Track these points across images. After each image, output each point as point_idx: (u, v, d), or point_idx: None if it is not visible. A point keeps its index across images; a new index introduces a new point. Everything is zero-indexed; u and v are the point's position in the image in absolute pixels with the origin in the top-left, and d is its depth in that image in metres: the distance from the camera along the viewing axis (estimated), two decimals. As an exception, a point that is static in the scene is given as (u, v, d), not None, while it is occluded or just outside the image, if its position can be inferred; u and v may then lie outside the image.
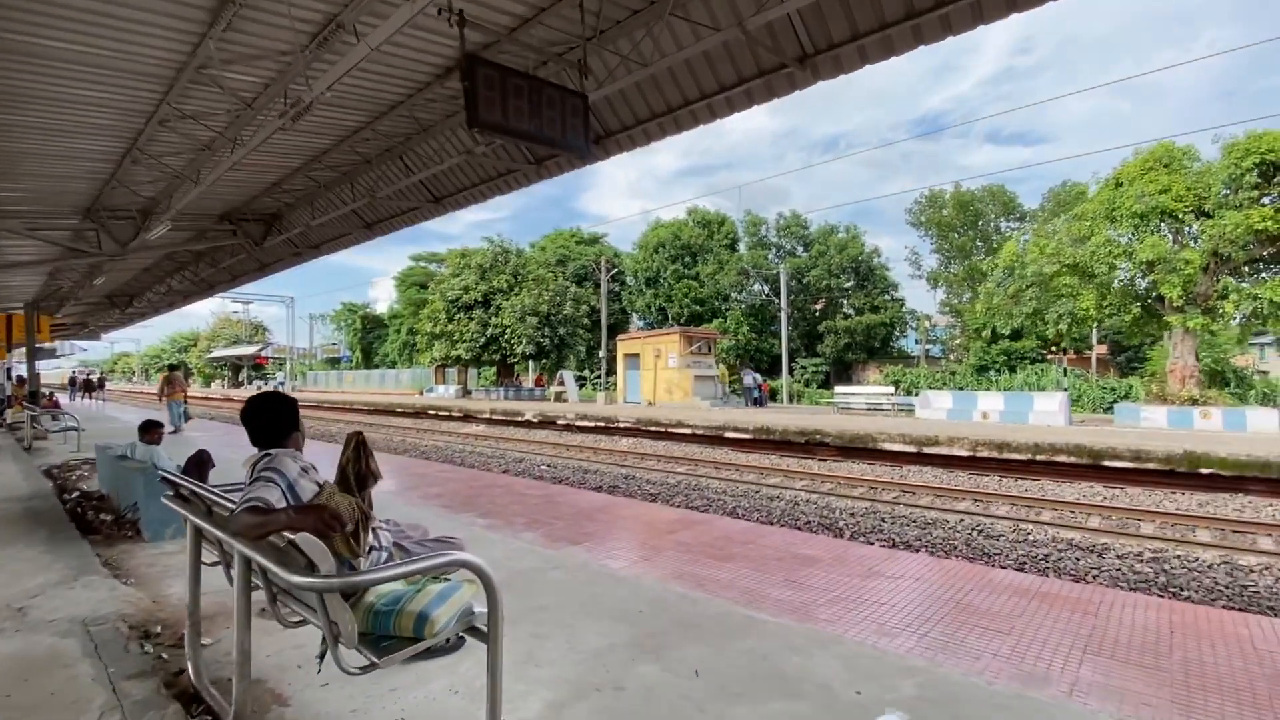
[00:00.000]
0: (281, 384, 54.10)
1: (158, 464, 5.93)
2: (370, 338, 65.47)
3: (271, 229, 12.20)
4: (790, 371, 34.73)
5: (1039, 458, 11.73)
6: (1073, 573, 6.87)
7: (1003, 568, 6.72)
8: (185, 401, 14.03)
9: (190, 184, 8.51)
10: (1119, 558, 7.27)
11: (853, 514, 9.43)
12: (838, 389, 27.60)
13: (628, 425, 19.08)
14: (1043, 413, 15.58)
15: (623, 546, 4.98)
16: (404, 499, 6.78)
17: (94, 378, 38.28)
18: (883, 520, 9.05)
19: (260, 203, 11.23)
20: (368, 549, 2.51)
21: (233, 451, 10.74)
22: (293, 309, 47.73)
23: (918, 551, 7.70)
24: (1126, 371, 31.89)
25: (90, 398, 34.34)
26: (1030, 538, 8.16)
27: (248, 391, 52.97)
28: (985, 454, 12.28)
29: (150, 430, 6.05)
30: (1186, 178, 15.56)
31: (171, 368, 15.78)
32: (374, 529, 2.61)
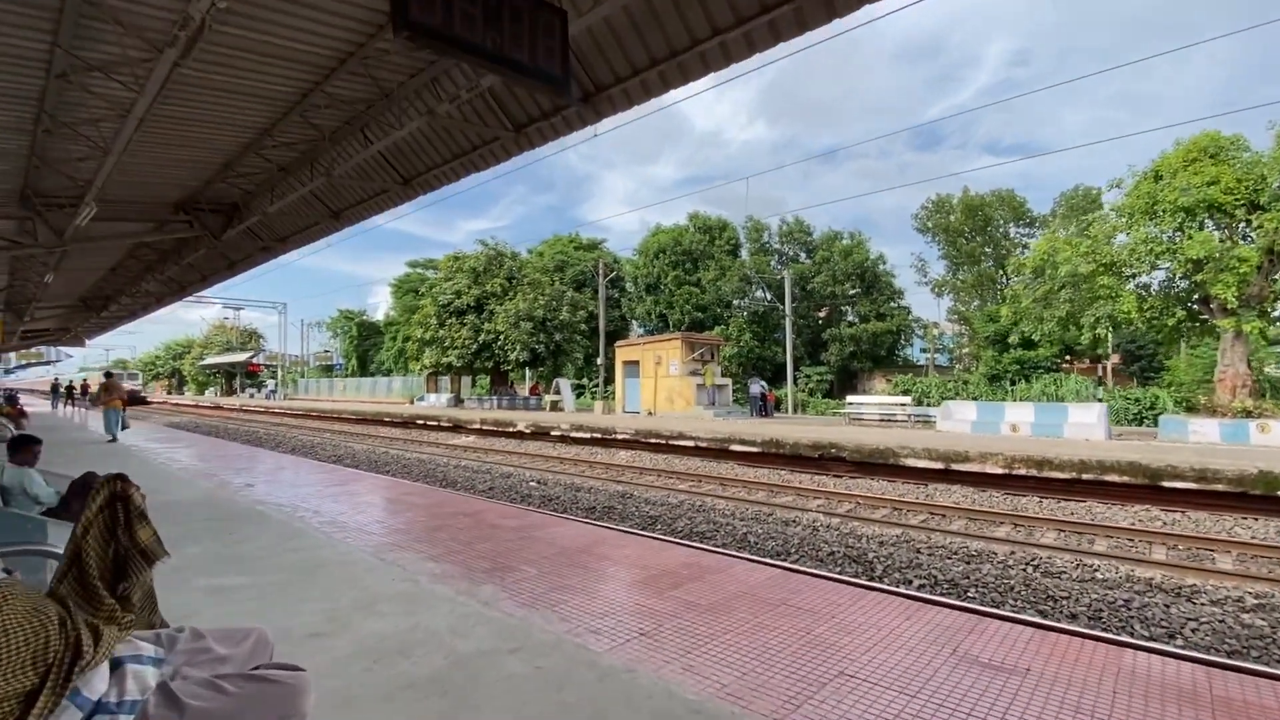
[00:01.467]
0: (273, 391, 52.79)
1: (29, 489, 4.73)
2: (366, 345, 64.31)
3: (232, 220, 11.04)
4: (794, 380, 33.50)
5: (1085, 476, 10.49)
6: (1164, 623, 5.64)
7: (1083, 636, 5.49)
8: (124, 409, 12.80)
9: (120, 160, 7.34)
10: (1214, 603, 6.04)
11: (881, 542, 8.20)
12: (849, 398, 26.35)
13: (626, 437, 17.84)
14: (1079, 425, 14.33)
15: (612, 610, 3.75)
16: (345, 531, 5.55)
17: (77, 385, 37.00)
18: (918, 552, 7.81)
19: (216, 190, 10.08)
20: (95, 702, 1.29)
21: (166, 464, 9.60)
22: (285, 315, 46.52)
23: (967, 592, 6.48)
24: (1143, 381, 30.67)
25: (72, 405, 33.14)
26: (1098, 574, 6.92)
27: (239, 400, 51.71)
28: (1022, 471, 11.04)
29: (22, 449, 4.84)
30: (1235, 168, 14.35)
31: (108, 374, 14.58)
32: (123, 662, 1.38)
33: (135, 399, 46.65)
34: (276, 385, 53.58)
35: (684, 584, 4.18)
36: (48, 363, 46.91)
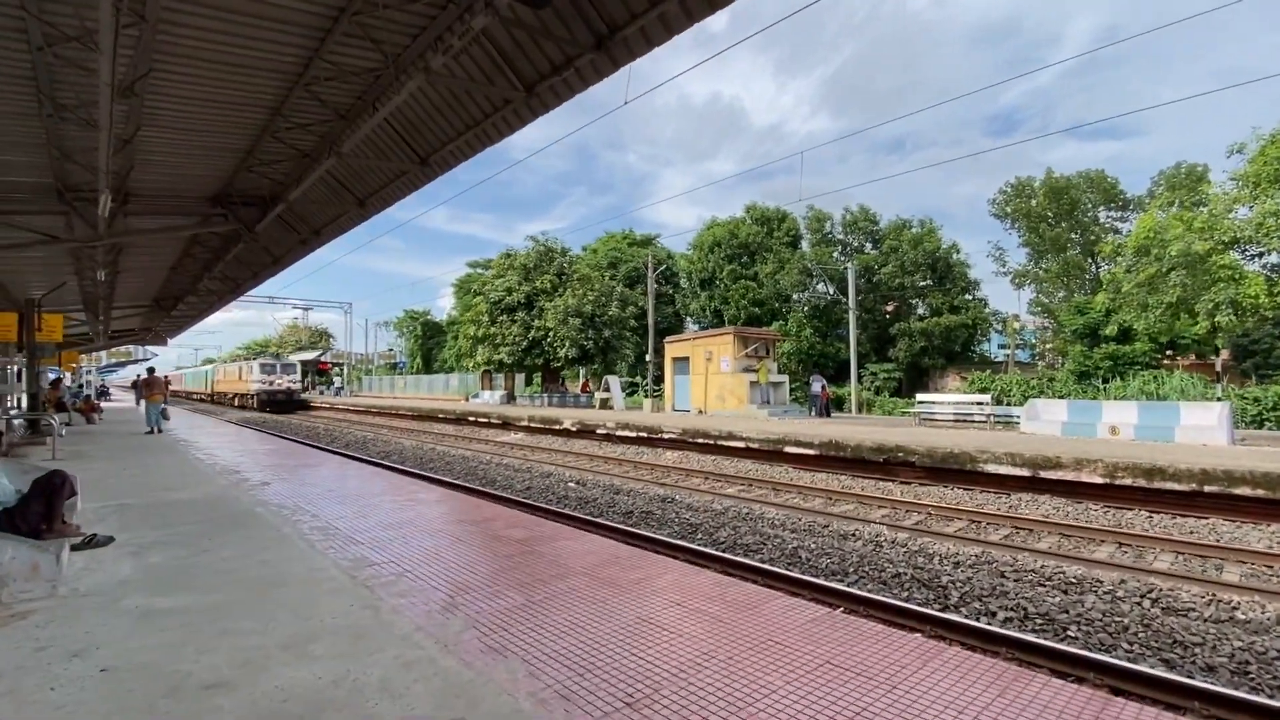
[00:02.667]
0: (340, 389, 54.74)
1: (-13, 489, 4.33)
2: (430, 344, 65.90)
3: (266, 212, 10.87)
4: (859, 378, 31.66)
5: (1207, 488, 8.88)
6: (1345, 690, 4.32)
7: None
8: (165, 402, 12.96)
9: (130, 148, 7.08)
10: None
11: (956, 563, 7.02)
12: (919, 397, 24.50)
13: (673, 436, 16.95)
14: (1195, 428, 12.43)
15: (601, 664, 2.91)
16: (331, 540, 4.95)
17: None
18: (1002, 576, 6.61)
19: (246, 181, 9.87)
20: None
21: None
22: (350, 315, 48.02)
23: (1066, 629, 5.30)
24: (1260, 379, 27.23)
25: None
26: (1237, 613, 5.57)
27: (309, 396, 53.84)
28: (1127, 481, 9.50)
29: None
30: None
31: (149, 370, 14.92)
32: None
33: (294, 402, 37.60)
34: (343, 383, 55.53)
35: (717, 624, 3.30)
36: (135, 361, 50.03)
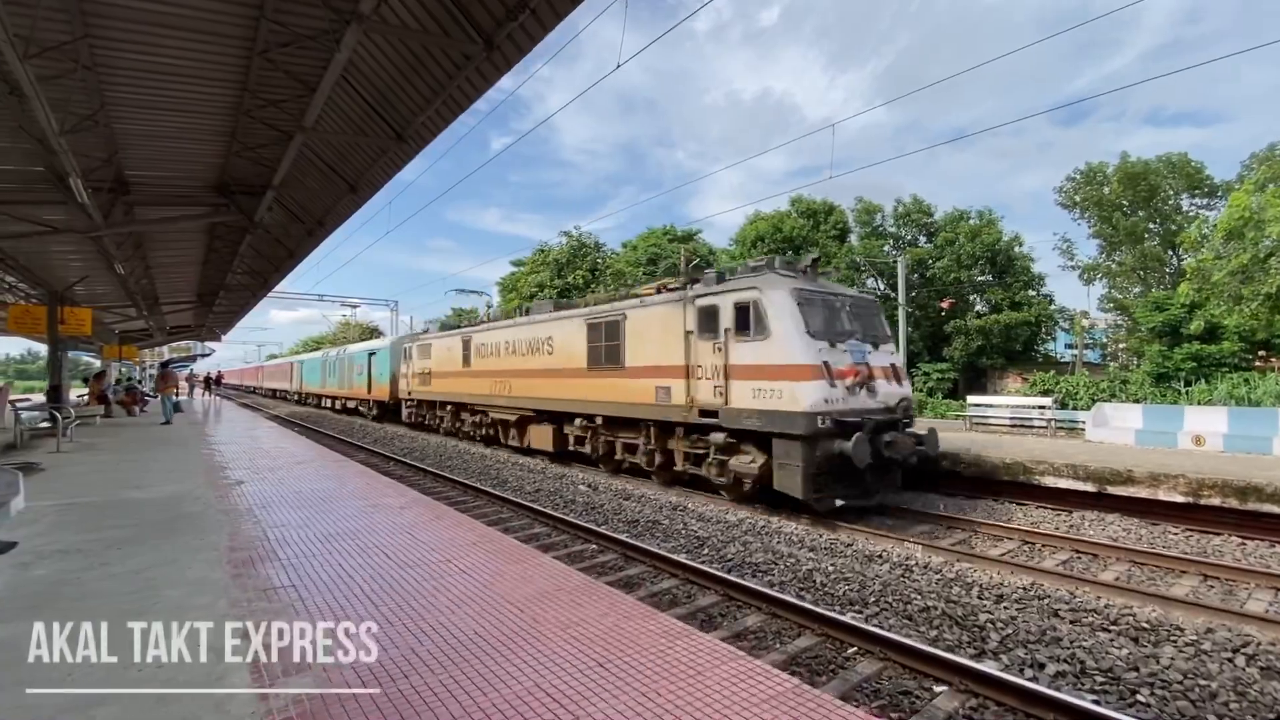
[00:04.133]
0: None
1: None
2: (475, 341, 66.60)
3: (263, 200, 10.60)
4: (910, 378, 29.87)
5: (1318, 513, 7.44)
6: None
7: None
8: (176, 396, 13.02)
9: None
10: None
11: (1000, 596, 5.92)
12: (970, 399, 22.75)
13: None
14: (1299, 439, 10.73)
15: None
16: (247, 550, 4.34)
17: (211, 376, 40.83)
18: (1055, 615, 5.49)
19: (239, 168, 9.56)
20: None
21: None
22: (396, 312, 48.80)
23: (1135, 693, 4.21)
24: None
25: (208, 394, 36.43)
26: (1373, 685, 4.35)
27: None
28: (1215, 500, 8.10)
29: None
30: None
31: (163, 364, 15.17)
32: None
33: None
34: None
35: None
36: (195, 356, 51.88)
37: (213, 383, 37.57)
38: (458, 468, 14.11)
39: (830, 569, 6.67)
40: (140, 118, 7.33)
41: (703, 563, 6.85)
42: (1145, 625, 5.23)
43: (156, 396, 12.92)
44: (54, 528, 5.05)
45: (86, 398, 18.08)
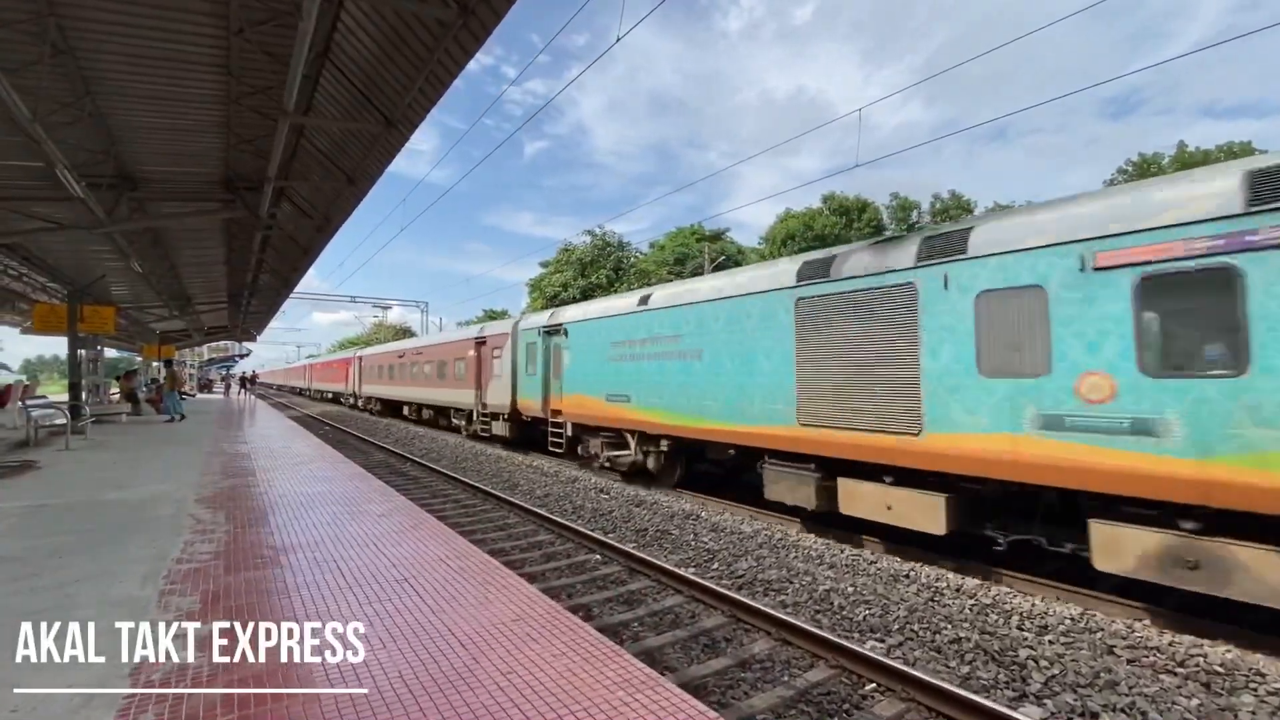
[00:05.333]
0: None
1: None
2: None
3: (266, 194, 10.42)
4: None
5: None
6: None
7: None
8: (181, 393, 12.98)
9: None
10: None
11: (1044, 628, 5.21)
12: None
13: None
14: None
15: None
16: (192, 561, 3.95)
17: (248, 375, 41.75)
18: (1110, 653, 4.77)
19: (240, 160, 9.35)
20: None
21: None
22: (426, 313, 49.22)
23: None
24: None
25: (244, 392, 37.21)
26: None
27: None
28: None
29: None
30: None
31: (168, 363, 15.20)
32: None
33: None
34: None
35: None
36: (233, 357, 53.00)
37: (248, 381, 38.36)
38: (472, 469, 13.77)
39: (850, 590, 6.03)
40: (131, 107, 7.12)
41: (711, 579, 6.29)
42: (1219, 669, 4.48)
43: (160, 396, 12.90)
44: (7, 532, 4.77)
45: (117, 395, 18.37)
